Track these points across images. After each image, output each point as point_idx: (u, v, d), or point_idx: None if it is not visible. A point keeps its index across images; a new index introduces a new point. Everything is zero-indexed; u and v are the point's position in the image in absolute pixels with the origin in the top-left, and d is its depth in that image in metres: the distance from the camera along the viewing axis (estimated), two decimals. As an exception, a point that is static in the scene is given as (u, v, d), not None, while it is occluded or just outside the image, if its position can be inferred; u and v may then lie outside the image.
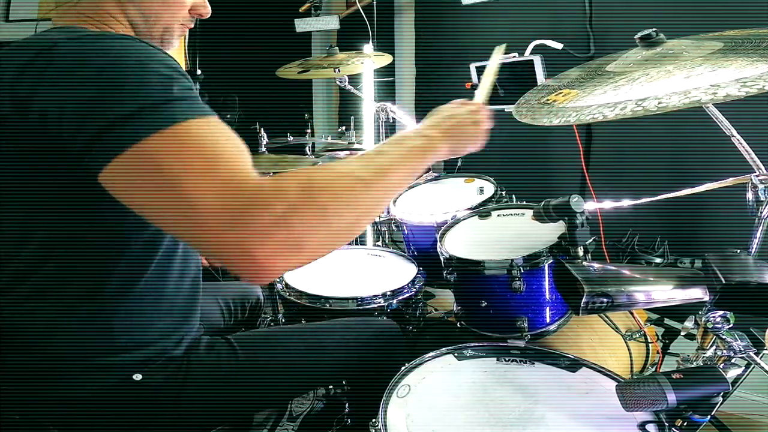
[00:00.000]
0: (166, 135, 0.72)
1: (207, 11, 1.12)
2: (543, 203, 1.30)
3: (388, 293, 1.62)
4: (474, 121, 1.10)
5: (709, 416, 0.91)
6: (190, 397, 1.05)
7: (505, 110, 2.38)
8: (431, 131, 1.02)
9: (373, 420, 1.01)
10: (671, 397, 0.87)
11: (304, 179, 0.75)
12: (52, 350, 0.94)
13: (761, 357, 0.98)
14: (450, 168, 2.46)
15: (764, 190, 0.98)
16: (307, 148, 3.14)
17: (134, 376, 0.99)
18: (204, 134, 0.75)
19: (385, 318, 1.58)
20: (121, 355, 0.98)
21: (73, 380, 0.96)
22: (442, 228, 1.69)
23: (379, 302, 1.60)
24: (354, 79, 3.19)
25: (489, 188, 2.01)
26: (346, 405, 1.51)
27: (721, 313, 0.98)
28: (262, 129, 2.28)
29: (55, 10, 0.99)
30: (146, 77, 0.78)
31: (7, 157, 0.84)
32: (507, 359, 1.24)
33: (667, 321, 1.88)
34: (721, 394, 0.89)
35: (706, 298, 0.96)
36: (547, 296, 1.45)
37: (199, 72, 2.99)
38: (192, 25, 1.12)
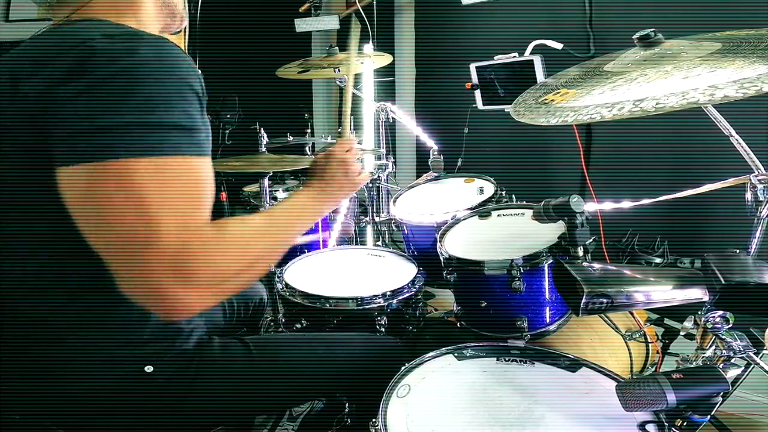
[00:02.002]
0: (141, 164, 0.77)
1: None
2: (543, 203, 1.30)
3: (388, 293, 1.62)
4: (345, 172, 1.23)
5: (708, 416, 0.91)
6: (199, 393, 1.06)
7: (505, 110, 2.40)
8: (316, 194, 1.18)
9: (373, 420, 1.01)
10: (671, 397, 0.87)
11: (230, 236, 0.86)
12: (64, 346, 0.94)
13: (761, 357, 0.98)
14: (450, 168, 2.47)
15: (763, 190, 0.98)
16: (307, 148, 3.14)
17: (146, 368, 1.00)
18: (178, 173, 0.80)
19: (383, 323, 1.58)
20: (133, 347, 0.99)
21: (85, 374, 0.96)
22: (442, 228, 1.69)
23: (379, 302, 1.60)
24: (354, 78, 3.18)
25: (489, 188, 2.01)
26: (346, 405, 1.51)
27: (720, 313, 0.98)
28: (261, 129, 2.28)
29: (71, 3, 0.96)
30: (159, 93, 0.81)
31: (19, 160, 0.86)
32: (507, 359, 1.24)
33: (666, 321, 1.89)
34: (721, 394, 0.89)
35: (706, 298, 0.96)
36: (547, 296, 1.45)
37: (198, 72, 2.99)
38: None
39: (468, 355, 1.26)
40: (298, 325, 1.62)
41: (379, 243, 2.59)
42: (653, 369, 1.68)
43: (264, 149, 2.27)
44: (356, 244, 2.77)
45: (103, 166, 0.76)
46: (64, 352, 0.95)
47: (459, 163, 2.93)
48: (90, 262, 0.91)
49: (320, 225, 2.65)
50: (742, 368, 0.99)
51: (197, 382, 1.06)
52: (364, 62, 2.61)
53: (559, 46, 2.31)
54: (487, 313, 1.48)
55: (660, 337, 1.76)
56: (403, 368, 1.19)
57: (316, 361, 1.23)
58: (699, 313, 1.02)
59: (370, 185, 2.51)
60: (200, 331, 1.12)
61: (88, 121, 0.77)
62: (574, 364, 1.20)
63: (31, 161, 0.84)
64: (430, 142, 2.49)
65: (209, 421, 1.13)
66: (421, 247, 1.96)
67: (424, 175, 2.37)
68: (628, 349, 1.63)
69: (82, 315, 0.94)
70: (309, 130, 3.88)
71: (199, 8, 2.38)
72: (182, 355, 1.06)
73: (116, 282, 0.80)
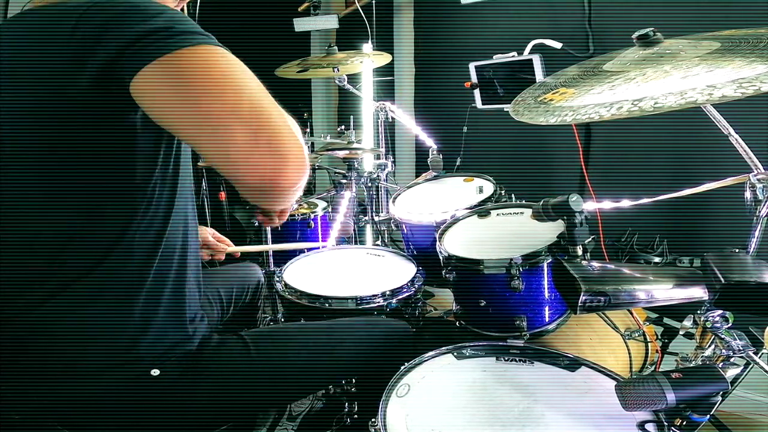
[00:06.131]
0: (202, 51, 0.81)
1: None
2: (542, 202, 1.30)
3: (388, 292, 1.62)
4: None
5: (708, 415, 0.91)
6: (205, 393, 1.07)
7: (504, 109, 2.40)
8: None
9: (373, 420, 1.01)
10: (670, 397, 0.87)
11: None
12: (68, 349, 0.95)
13: (760, 356, 0.98)
14: (449, 167, 2.47)
15: (762, 190, 0.97)
16: (306, 147, 3.13)
17: (152, 372, 1.00)
18: (236, 61, 0.85)
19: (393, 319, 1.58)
20: (137, 351, 0.99)
21: (89, 377, 0.96)
22: (442, 227, 1.70)
23: (379, 301, 1.60)
24: (353, 78, 3.19)
25: (488, 187, 2.01)
26: (346, 404, 1.51)
27: (719, 312, 0.98)
28: (261, 128, 2.28)
29: None
30: (188, 19, 0.86)
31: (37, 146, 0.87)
32: (506, 358, 1.24)
33: (666, 320, 1.89)
34: (720, 393, 0.89)
35: (705, 297, 0.96)
36: (546, 295, 1.45)
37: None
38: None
39: (467, 354, 1.26)
40: (298, 325, 1.62)
41: (379, 242, 2.58)
42: (652, 368, 1.68)
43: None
44: (355, 244, 2.77)
45: (204, 49, 0.81)
46: (68, 354, 0.95)
47: (458, 163, 2.93)
48: (94, 264, 0.93)
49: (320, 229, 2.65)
50: (742, 367, 0.99)
51: (202, 383, 1.06)
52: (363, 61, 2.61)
53: (558, 45, 2.31)
54: (487, 313, 1.48)
55: (659, 336, 1.76)
56: (402, 367, 1.19)
57: (318, 349, 1.23)
58: (698, 312, 1.02)
59: (370, 184, 2.51)
60: (203, 332, 1.12)
61: (159, 29, 0.80)
62: (573, 364, 1.20)
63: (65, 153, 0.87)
64: (429, 142, 2.48)
65: (218, 418, 1.14)
66: (421, 247, 1.96)
67: (424, 174, 2.37)
68: (628, 349, 1.63)
69: (85, 319, 0.94)
70: (308, 130, 3.89)
71: (197, 7, 2.38)
72: (187, 356, 1.06)
73: (234, 165, 0.79)
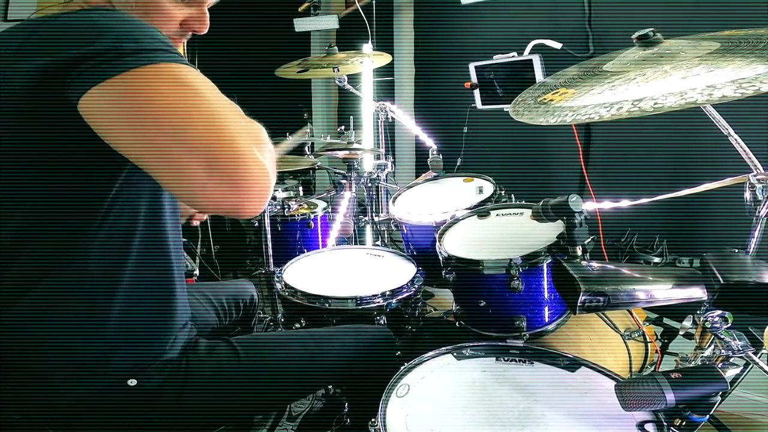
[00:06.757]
0: (156, 70, 0.76)
1: (202, 28, 1.07)
2: (542, 203, 1.30)
3: (388, 293, 1.62)
4: None
5: (707, 415, 0.91)
6: (192, 399, 1.05)
7: (504, 110, 2.40)
8: None
9: (373, 420, 1.01)
10: (670, 397, 0.87)
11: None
12: (43, 353, 0.94)
13: (759, 356, 0.98)
14: (449, 167, 2.47)
15: (762, 190, 0.97)
16: (306, 148, 3.13)
17: (129, 382, 0.98)
18: (192, 78, 0.79)
19: (382, 323, 1.58)
20: (112, 359, 0.97)
21: (68, 383, 0.95)
22: (441, 227, 1.70)
23: (379, 302, 1.60)
24: (353, 78, 3.19)
25: (488, 188, 2.01)
26: (346, 405, 1.51)
27: (719, 312, 0.98)
28: (260, 129, 2.28)
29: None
30: (147, 31, 0.82)
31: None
32: (506, 359, 1.25)
33: (665, 320, 1.89)
34: (720, 393, 0.89)
35: (705, 297, 0.96)
36: (546, 296, 1.45)
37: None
38: (185, 39, 1.09)
39: (467, 354, 1.26)
40: (297, 325, 1.63)
41: (379, 243, 2.58)
42: (652, 368, 1.68)
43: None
44: (355, 244, 2.77)
45: (154, 69, 0.76)
46: (38, 359, 0.94)
47: (458, 163, 2.93)
48: (70, 270, 0.91)
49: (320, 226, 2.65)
50: (741, 368, 0.99)
51: (189, 387, 1.05)
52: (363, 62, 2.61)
53: (558, 45, 2.31)
54: (486, 313, 1.48)
55: (659, 337, 1.76)
56: (402, 368, 1.19)
57: (305, 355, 1.22)
58: (698, 312, 1.01)
59: (370, 185, 2.51)
60: (185, 338, 1.11)
61: (113, 48, 0.76)
62: (573, 364, 1.20)
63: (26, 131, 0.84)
64: (429, 142, 2.48)
65: (208, 424, 1.13)
66: (421, 247, 1.96)
67: (423, 174, 2.37)
68: (627, 349, 1.63)
69: (61, 326, 0.93)
70: (308, 130, 3.88)
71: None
72: (168, 364, 1.04)
73: (188, 194, 0.77)
